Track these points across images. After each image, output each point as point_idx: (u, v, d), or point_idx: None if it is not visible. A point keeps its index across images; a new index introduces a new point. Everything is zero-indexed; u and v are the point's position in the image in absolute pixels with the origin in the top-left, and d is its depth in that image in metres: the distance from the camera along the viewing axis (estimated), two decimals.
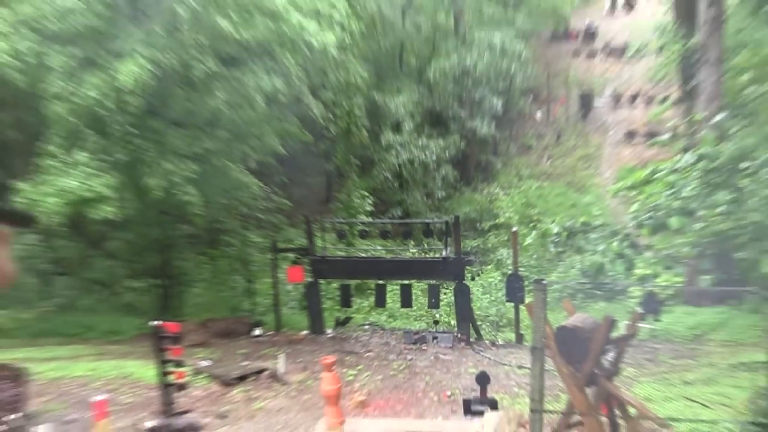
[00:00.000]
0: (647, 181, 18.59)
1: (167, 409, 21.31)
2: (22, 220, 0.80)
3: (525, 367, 21.29)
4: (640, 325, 18.77)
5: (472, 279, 31.59)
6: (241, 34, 30.82)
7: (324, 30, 32.34)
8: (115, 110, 30.41)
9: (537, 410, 13.86)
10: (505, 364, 24.99)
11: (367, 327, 31.46)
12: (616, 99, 50.48)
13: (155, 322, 22.69)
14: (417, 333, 29.87)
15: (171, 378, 21.22)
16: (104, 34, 31.06)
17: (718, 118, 22.09)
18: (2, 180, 34.51)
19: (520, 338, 27.98)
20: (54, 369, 25.23)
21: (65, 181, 30.46)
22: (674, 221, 16.24)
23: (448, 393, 23.40)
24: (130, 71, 29.20)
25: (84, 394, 22.97)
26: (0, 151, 38.82)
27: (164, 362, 21.21)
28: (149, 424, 21.11)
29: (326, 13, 33.37)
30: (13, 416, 14.08)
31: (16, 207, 0.83)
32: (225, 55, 32.38)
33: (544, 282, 15.87)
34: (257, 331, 30.73)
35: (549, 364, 14.88)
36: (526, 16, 50.26)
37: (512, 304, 28.65)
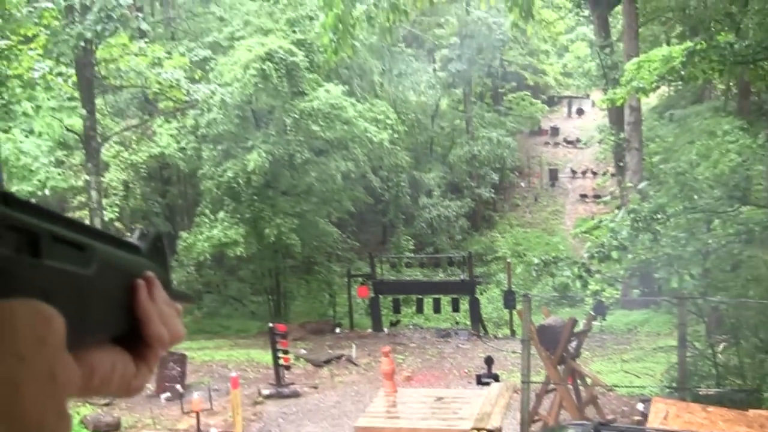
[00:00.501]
0: (596, 227, 18.53)
1: (278, 382, 21.23)
2: (187, 298, 0.72)
3: (516, 352, 21.04)
4: (593, 323, 18.58)
5: (481, 294, 31.40)
6: (326, 134, 30.94)
7: (380, 130, 32.39)
8: (244, 185, 30.58)
9: (526, 381, 13.69)
10: (503, 351, 24.76)
11: (411, 327, 31.33)
12: (573, 173, 50.22)
13: (270, 324, 22.66)
14: (444, 330, 29.78)
15: (281, 361, 21.15)
16: (237, 135, 31.27)
17: (640, 186, 21.87)
18: (172, 231, 34.64)
19: (513, 333, 27.75)
20: (204, 355, 25.20)
21: (211, 231, 30.63)
22: (614, 254, 16.04)
23: (466, 370, 23.22)
24: (254, 159, 29.37)
25: (224, 372, 22.92)
26: (171, 212, 39.02)
27: (276, 350, 21.15)
28: (266, 391, 21.02)
29: (382, 119, 33.42)
30: (178, 386, 14.19)
31: (180, 290, 0.75)
32: (315, 148, 32.46)
33: (529, 295, 15.75)
34: (338, 330, 30.60)
35: (533, 351, 14.71)
36: (513, 120, 50.19)
37: (508, 310, 28.50)
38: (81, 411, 18.16)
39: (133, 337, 0.72)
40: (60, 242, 0.60)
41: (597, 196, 40.97)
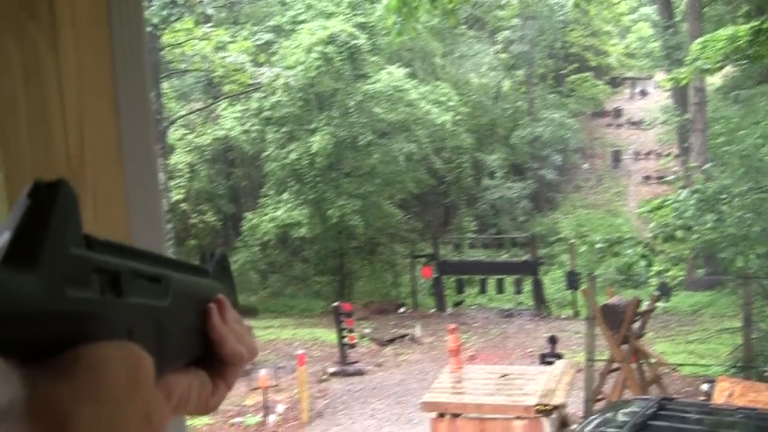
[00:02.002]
0: (659, 207, 18.35)
1: (343, 360, 21.47)
2: (250, 311, 0.76)
3: (579, 333, 21.04)
4: (657, 303, 18.52)
5: (544, 274, 31.33)
6: (388, 116, 31.08)
7: (443, 112, 32.43)
8: (308, 167, 30.85)
9: (590, 360, 13.75)
10: (566, 331, 24.75)
11: (474, 307, 31.32)
12: (636, 154, 49.75)
13: (335, 304, 22.90)
14: (507, 311, 29.74)
15: (345, 340, 21.38)
16: (301, 117, 31.53)
17: (705, 167, 21.75)
18: (237, 212, 35.09)
19: (576, 314, 27.64)
20: (270, 334, 25.50)
21: (275, 213, 30.97)
22: (678, 234, 16.00)
23: (529, 350, 23.26)
24: (318, 141, 29.62)
25: (289, 350, 23.19)
26: (235, 193, 39.45)
27: (341, 329, 21.38)
28: (331, 369, 21.27)
29: (444, 101, 33.45)
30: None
31: (244, 307, 0.81)
32: (378, 130, 32.61)
33: (593, 275, 15.79)
34: (401, 310, 30.73)
35: (597, 330, 14.76)
36: (575, 102, 49.85)
37: (570, 291, 28.41)
38: None
39: (210, 357, 0.76)
40: (139, 277, 0.62)
41: (660, 178, 40.54)
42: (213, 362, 0.76)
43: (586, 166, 50.02)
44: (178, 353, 0.70)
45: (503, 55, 47.70)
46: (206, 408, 0.76)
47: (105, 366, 0.53)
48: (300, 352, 18.97)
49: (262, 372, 18.31)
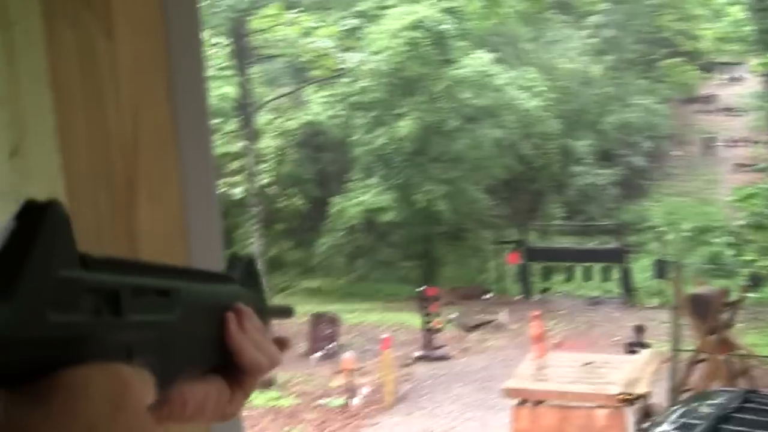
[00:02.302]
0: (751, 196, 18.03)
1: (428, 344, 21.50)
2: (284, 312, 0.76)
3: (667, 322, 20.74)
4: (746, 294, 18.16)
5: (632, 262, 30.96)
6: (476, 101, 31.00)
7: (531, 98, 32.23)
8: (394, 152, 30.95)
9: (676, 350, 13.56)
10: (654, 320, 24.42)
11: (560, 294, 31.10)
12: (729, 141, 48.79)
13: (421, 288, 22.94)
14: (594, 299, 29.49)
15: (431, 325, 21.42)
16: (388, 102, 31.65)
17: None
18: (325, 196, 35.35)
19: (664, 303, 27.24)
20: (355, 317, 25.67)
21: (362, 197, 31.16)
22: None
23: (615, 339, 23.02)
24: (404, 126, 29.68)
25: (375, 333, 23.30)
26: (322, 177, 39.75)
27: (426, 314, 21.42)
28: (416, 353, 21.33)
29: (532, 86, 33.24)
30: (330, 345, 14.64)
31: (277, 306, 0.79)
32: (465, 115, 32.53)
33: (680, 264, 15.56)
34: (487, 296, 30.67)
35: (684, 320, 14.55)
36: (666, 87, 49.03)
37: (659, 279, 28.04)
38: None
39: (229, 365, 0.76)
40: (142, 293, 0.62)
41: (753, 165, 39.70)
42: (231, 370, 0.76)
43: (676, 152, 49.20)
44: (190, 364, 0.71)
45: (592, 40, 47.09)
46: (223, 415, 0.76)
47: (82, 392, 0.51)
48: (385, 335, 19.08)
49: (347, 355, 18.46)
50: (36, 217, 0.51)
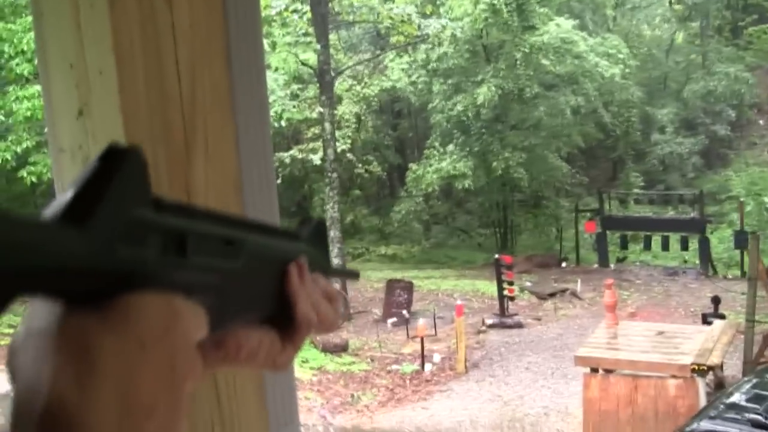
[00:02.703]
0: None
1: (502, 312, 21.53)
2: (349, 275, 0.81)
3: (746, 293, 20.47)
4: None
5: (711, 233, 30.54)
6: (556, 68, 30.74)
7: (612, 65, 31.81)
8: (473, 118, 30.89)
9: (751, 321, 13.40)
10: (732, 291, 24.11)
11: (637, 264, 30.83)
12: None
13: (496, 255, 22.95)
14: (672, 269, 29.18)
15: (505, 292, 21.42)
16: (467, 69, 31.53)
17: None
18: (402, 163, 35.49)
19: (743, 275, 26.84)
20: (431, 284, 25.79)
21: (440, 164, 31.17)
22: None
23: (692, 309, 22.80)
24: (484, 93, 29.56)
25: (449, 300, 23.38)
26: (401, 144, 39.87)
27: (501, 282, 21.42)
28: (490, 321, 21.37)
29: (614, 53, 32.79)
30: (404, 312, 14.80)
31: (343, 269, 0.84)
32: (545, 82, 32.32)
33: (758, 234, 15.32)
34: (563, 264, 30.56)
35: (761, 291, 14.35)
36: (753, 55, 47.92)
37: (738, 250, 27.64)
38: None
39: (285, 319, 0.81)
40: (208, 239, 0.67)
41: None
42: (285, 323, 0.81)
43: (762, 122, 48.17)
44: (246, 311, 0.76)
45: (677, 6, 46.28)
46: (275, 364, 0.81)
47: (136, 310, 0.57)
48: (459, 302, 19.14)
49: (421, 321, 18.57)
50: (117, 159, 0.56)
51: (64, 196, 0.55)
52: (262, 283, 0.78)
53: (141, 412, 0.57)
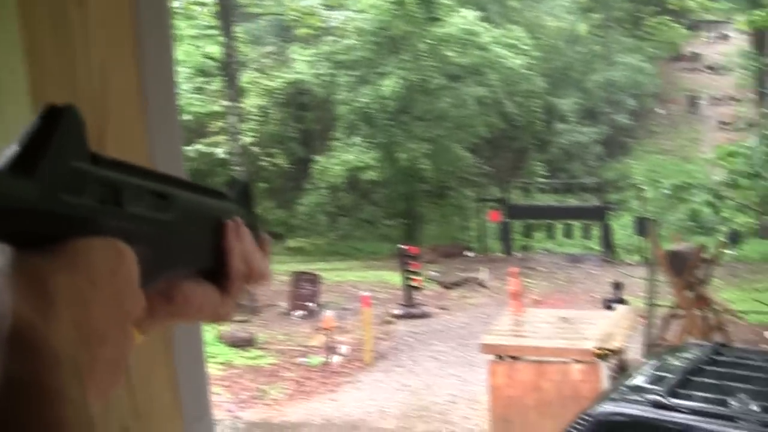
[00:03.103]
0: (732, 155, 18.16)
1: (408, 302, 21.67)
2: (270, 236, 0.89)
3: (646, 278, 20.96)
4: (725, 250, 18.40)
5: (612, 220, 31.18)
6: (461, 59, 31.00)
7: (515, 56, 32.21)
8: (378, 110, 30.97)
9: (651, 305, 13.77)
10: (633, 276, 24.64)
11: (541, 252, 31.30)
12: (713, 99, 48.93)
13: (402, 246, 23.08)
14: (575, 256, 29.71)
15: (411, 282, 21.57)
16: (372, 61, 31.61)
17: None
18: (308, 155, 35.41)
19: (644, 260, 27.47)
20: (336, 276, 25.79)
21: (346, 156, 31.23)
22: (744, 181, 15.89)
23: (594, 295, 23.22)
24: (389, 85, 29.67)
25: (355, 292, 23.42)
26: (306, 136, 39.76)
27: (407, 272, 21.57)
28: (396, 311, 21.49)
29: (517, 44, 33.20)
30: (311, 304, 14.79)
31: (265, 231, 0.89)
32: (450, 73, 32.56)
33: (660, 221, 15.73)
34: (469, 253, 30.84)
35: (662, 277, 14.74)
36: (652, 46, 49.03)
37: (639, 236, 28.27)
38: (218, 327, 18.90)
39: (221, 273, 0.89)
40: (143, 192, 0.73)
41: (737, 123, 39.90)
42: (223, 277, 0.88)
43: (661, 111, 49.30)
44: (184, 264, 0.83)
45: None
46: (218, 316, 0.89)
47: (85, 253, 0.64)
48: (365, 294, 19.21)
49: (328, 313, 18.60)
50: (56, 116, 0.62)
51: (9, 150, 0.60)
52: (197, 238, 0.85)
53: (95, 340, 0.64)
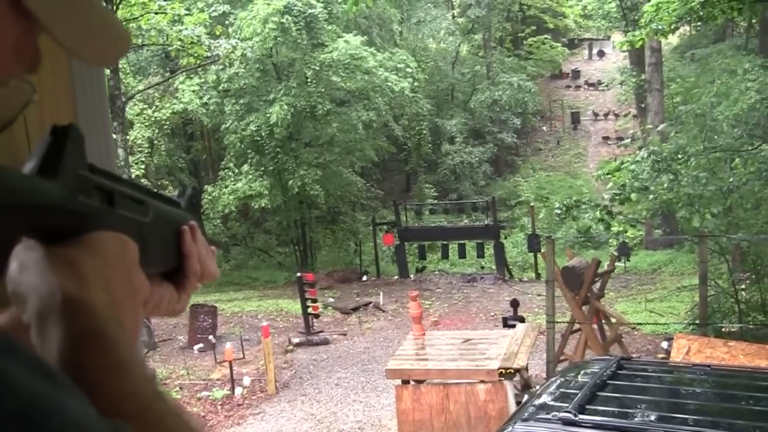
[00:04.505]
0: (617, 170, 18.55)
1: (308, 330, 21.59)
2: (217, 243, 1.05)
3: (542, 295, 21.25)
4: (616, 263, 18.80)
5: (505, 238, 31.59)
6: (347, 84, 31.09)
7: (401, 79, 32.43)
8: (267, 138, 30.87)
9: (551, 322, 13.96)
10: (528, 293, 25.02)
11: (437, 273, 31.52)
12: (595, 115, 50.10)
13: (298, 274, 23.00)
14: (470, 275, 29.98)
15: (310, 310, 21.50)
16: (259, 88, 31.52)
17: (661, 127, 22.03)
18: (198, 186, 35.10)
19: (538, 276, 27.93)
20: (234, 306, 25.60)
21: (236, 185, 31.01)
22: (633, 196, 16.26)
23: (492, 314, 23.48)
24: (276, 112, 29.60)
25: (254, 322, 23.29)
26: (195, 167, 39.41)
27: (305, 300, 21.49)
28: (296, 339, 21.39)
29: (402, 68, 33.44)
30: (210, 337, 14.71)
31: (211, 237, 0.99)
32: (337, 98, 32.65)
33: (553, 238, 15.99)
34: (365, 278, 30.88)
35: (558, 292, 14.97)
36: (533, 64, 50.05)
37: (532, 253, 28.70)
38: None
39: (177, 272, 1.05)
40: (126, 198, 0.90)
41: (619, 138, 40.97)
42: (178, 277, 1.05)
43: (545, 128, 50.35)
44: (155, 260, 0.97)
45: (461, 20, 47.88)
46: (174, 312, 1.05)
47: (99, 242, 0.82)
48: (264, 323, 19.06)
49: (228, 345, 18.40)
50: (64, 132, 0.78)
51: (31, 161, 0.75)
52: (164, 241, 1.01)
53: (119, 304, 0.82)
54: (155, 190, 1.04)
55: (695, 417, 6.85)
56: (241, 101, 31.69)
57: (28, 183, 0.72)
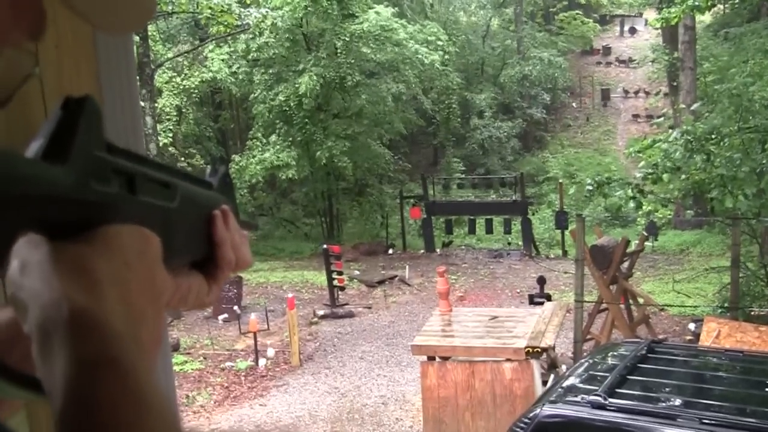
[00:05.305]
0: (648, 147, 18.33)
1: (333, 302, 21.56)
2: (251, 226, 0.94)
3: (568, 273, 21.10)
4: (645, 243, 18.62)
5: (533, 214, 31.44)
6: (377, 56, 30.94)
7: (431, 52, 32.24)
8: (295, 108, 30.77)
9: (578, 300, 13.83)
10: (555, 271, 24.86)
11: (463, 247, 31.41)
12: (625, 93, 49.66)
13: (324, 245, 22.94)
14: (496, 251, 29.84)
15: (335, 282, 21.45)
16: (288, 58, 31.41)
17: (694, 106, 21.73)
18: (225, 155, 35.10)
19: (565, 254, 27.74)
20: (260, 277, 25.56)
21: (263, 155, 30.97)
22: (665, 177, 16.05)
23: (518, 290, 23.36)
24: (305, 82, 29.48)
25: (279, 293, 23.28)
26: (223, 136, 39.41)
27: (330, 272, 21.44)
28: (321, 312, 21.36)
29: (433, 40, 33.25)
30: (235, 307, 14.69)
31: (245, 219, 0.88)
32: (366, 70, 32.49)
33: (582, 215, 15.84)
34: (390, 251, 30.80)
35: (586, 270, 14.82)
36: (564, 40, 49.60)
37: (559, 230, 28.54)
38: None
39: (207, 261, 0.91)
40: (150, 181, 0.76)
41: (649, 116, 40.55)
42: (208, 266, 0.91)
43: (575, 104, 49.96)
44: (183, 250, 0.85)
45: None
46: (203, 305, 0.91)
47: (116, 237, 0.69)
48: (290, 295, 19.03)
49: (252, 316, 18.37)
50: (77, 107, 0.66)
51: (37, 141, 0.64)
52: (193, 227, 0.88)
53: (138, 316, 0.69)
54: (184, 170, 0.90)
55: (728, 404, 6.72)
56: (271, 71, 31.62)
57: (31, 169, 0.61)
